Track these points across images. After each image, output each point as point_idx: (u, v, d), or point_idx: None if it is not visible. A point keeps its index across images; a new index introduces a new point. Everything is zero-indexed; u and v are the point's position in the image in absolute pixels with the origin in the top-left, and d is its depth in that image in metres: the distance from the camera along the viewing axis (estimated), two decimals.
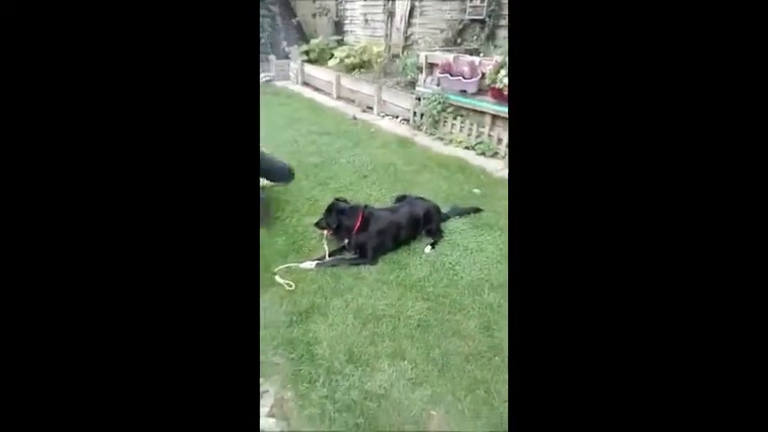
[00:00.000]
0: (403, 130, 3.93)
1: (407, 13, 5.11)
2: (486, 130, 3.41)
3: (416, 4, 5.04)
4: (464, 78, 3.39)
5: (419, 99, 3.88)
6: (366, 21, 5.92)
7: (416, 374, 1.33)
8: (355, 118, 4.31)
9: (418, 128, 3.94)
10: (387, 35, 5.43)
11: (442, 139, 3.67)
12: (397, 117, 4.28)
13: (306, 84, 5.87)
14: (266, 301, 1.64)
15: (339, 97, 5.07)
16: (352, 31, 6.27)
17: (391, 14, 5.31)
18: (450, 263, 1.94)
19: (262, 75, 5.96)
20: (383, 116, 4.38)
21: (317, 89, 5.51)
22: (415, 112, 3.97)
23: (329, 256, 1.95)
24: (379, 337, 1.48)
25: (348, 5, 6.20)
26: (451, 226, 2.25)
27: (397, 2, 5.14)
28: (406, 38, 5.23)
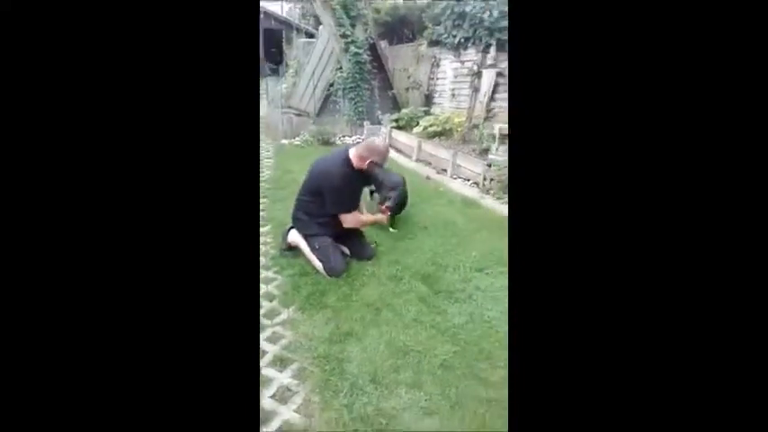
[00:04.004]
0: (471, 192, 4.13)
1: (491, 88, 5.54)
2: None
3: (500, 81, 5.45)
4: None
5: (490, 165, 4.10)
6: (453, 95, 6.51)
7: (429, 405, 1.43)
8: (428, 178, 4.67)
9: (487, 191, 4.11)
10: (470, 107, 5.89)
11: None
12: (467, 180, 4.52)
13: (391, 146, 6.51)
14: (316, 320, 1.91)
15: (418, 160, 5.53)
16: (439, 104, 6.91)
17: (476, 90, 5.79)
18: (488, 317, 2.00)
19: (354, 137, 6.80)
20: (455, 178, 4.66)
21: (398, 151, 6.08)
22: (485, 177, 4.18)
23: None
24: (403, 368, 1.61)
25: (439, 81, 6.91)
26: (498, 283, 2.31)
27: (483, 79, 5.63)
28: (488, 110, 5.60)
